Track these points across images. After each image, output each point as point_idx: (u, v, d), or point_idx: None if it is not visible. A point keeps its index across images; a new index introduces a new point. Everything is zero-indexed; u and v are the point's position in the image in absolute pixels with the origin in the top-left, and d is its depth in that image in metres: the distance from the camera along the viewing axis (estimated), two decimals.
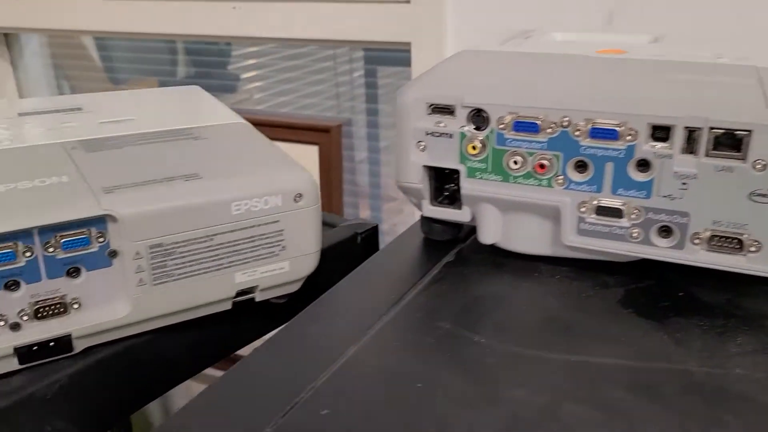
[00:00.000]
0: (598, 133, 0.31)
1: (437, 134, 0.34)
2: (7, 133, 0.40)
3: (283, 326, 0.33)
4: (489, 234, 0.36)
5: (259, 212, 0.36)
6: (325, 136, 1.05)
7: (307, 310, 0.34)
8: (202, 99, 0.50)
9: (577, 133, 0.32)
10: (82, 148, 0.38)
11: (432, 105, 0.34)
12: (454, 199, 0.36)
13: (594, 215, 0.33)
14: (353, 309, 0.32)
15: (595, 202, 0.33)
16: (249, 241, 0.36)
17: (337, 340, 0.29)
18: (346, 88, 1.19)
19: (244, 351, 0.37)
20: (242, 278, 0.37)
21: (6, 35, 1.27)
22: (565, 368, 0.27)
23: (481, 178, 0.34)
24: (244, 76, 1.24)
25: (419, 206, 0.37)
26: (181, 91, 0.52)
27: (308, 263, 0.39)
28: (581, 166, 0.33)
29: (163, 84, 1.29)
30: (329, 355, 0.28)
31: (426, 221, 0.38)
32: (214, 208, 0.35)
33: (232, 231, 0.36)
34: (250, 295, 0.39)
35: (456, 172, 0.35)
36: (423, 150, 0.35)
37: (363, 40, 0.85)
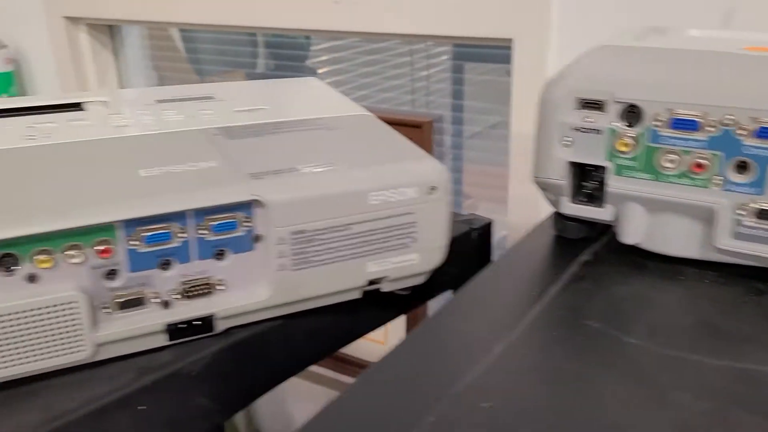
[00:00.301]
0: (765, 133, 0.29)
1: (585, 130, 0.33)
2: (151, 119, 0.42)
3: (426, 319, 0.33)
4: (632, 234, 0.35)
5: (394, 203, 0.36)
6: (416, 132, 1.05)
7: (449, 305, 0.34)
8: (322, 90, 0.51)
9: (740, 132, 0.30)
10: (223, 135, 0.39)
11: (581, 100, 0.33)
12: (592, 197, 0.36)
13: (754, 219, 0.31)
14: (494, 304, 0.32)
15: (755, 205, 0.31)
16: (383, 232, 0.37)
17: (484, 335, 0.29)
18: (423, 83, 1.18)
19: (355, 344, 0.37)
20: (374, 268, 0.37)
21: (110, 27, 1.32)
22: (730, 375, 0.26)
23: (629, 176, 0.33)
24: (321, 70, 1.26)
25: (556, 203, 0.37)
26: (301, 82, 0.53)
27: (436, 256, 0.39)
28: (742, 167, 0.31)
29: (248, 77, 1.31)
30: (479, 349, 0.28)
31: (559, 219, 0.38)
32: (353, 197, 0.35)
33: (368, 221, 0.36)
34: (378, 285, 0.39)
35: (599, 169, 0.34)
36: (568, 146, 0.34)
37: (464, 35, 0.84)
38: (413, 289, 0.42)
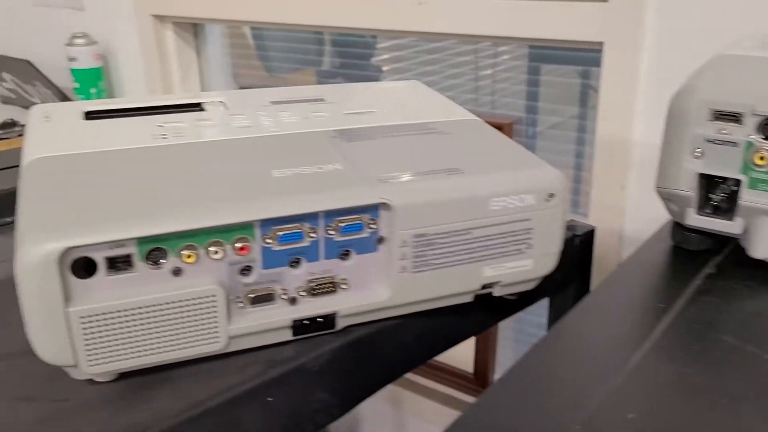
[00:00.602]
0: None
1: (719, 142, 0.33)
2: (270, 121, 0.43)
3: (555, 325, 0.33)
4: (762, 248, 0.34)
5: (513, 209, 0.37)
6: None
7: (576, 312, 0.34)
8: (427, 94, 0.51)
9: None
10: (341, 138, 0.40)
11: (717, 112, 0.33)
12: (717, 209, 0.35)
13: None
14: (622, 315, 0.32)
15: None
16: (500, 237, 0.37)
17: (617, 345, 0.29)
18: (487, 81, 1.17)
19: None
20: (489, 272, 0.38)
21: (194, 25, 1.37)
22: None
23: (765, 189, 0.33)
24: (386, 68, 1.26)
25: (681, 214, 0.36)
26: (404, 86, 0.53)
27: (549, 262, 0.39)
28: None
29: (317, 75, 1.33)
30: (614, 358, 0.28)
31: (679, 229, 0.37)
32: (475, 202, 0.36)
33: (487, 226, 0.36)
34: (490, 290, 0.39)
35: (728, 181, 0.34)
36: (699, 157, 0.34)
37: (553, 38, 0.84)
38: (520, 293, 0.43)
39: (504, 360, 1.22)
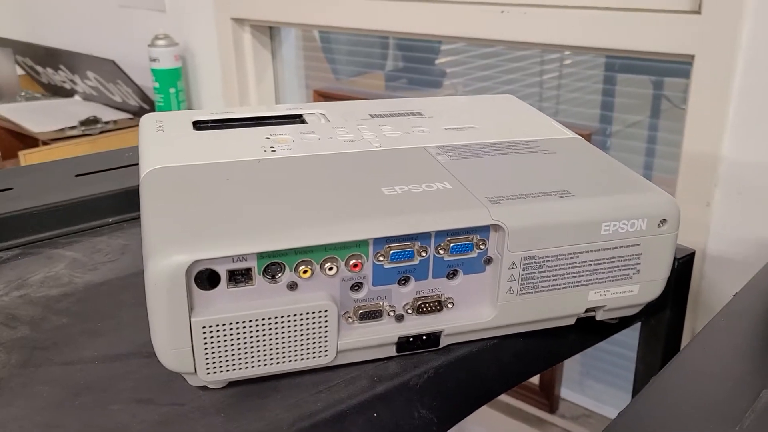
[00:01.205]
0: None
1: None
2: (372, 135, 0.43)
3: (671, 362, 0.32)
4: None
5: (624, 234, 0.36)
6: None
7: (692, 348, 0.33)
8: (523, 109, 0.51)
9: None
10: (445, 154, 0.41)
11: None
12: None
13: None
14: (746, 350, 0.31)
15: None
16: (609, 262, 0.36)
17: (745, 384, 0.28)
18: (554, 92, 1.15)
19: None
20: (594, 297, 0.37)
21: (270, 29, 1.39)
22: None
23: None
24: (450, 70, 1.25)
25: None
26: (499, 100, 0.53)
27: (655, 289, 0.38)
28: None
29: (385, 78, 1.34)
30: (742, 399, 0.27)
31: None
32: (586, 226, 0.35)
33: (596, 250, 0.36)
34: (593, 313, 0.39)
35: None
36: None
37: (641, 50, 0.82)
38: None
39: (571, 373, 1.20)
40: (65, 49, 1.67)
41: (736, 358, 0.31)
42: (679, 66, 0.93)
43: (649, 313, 0.49)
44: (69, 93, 1.74)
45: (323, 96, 1.35)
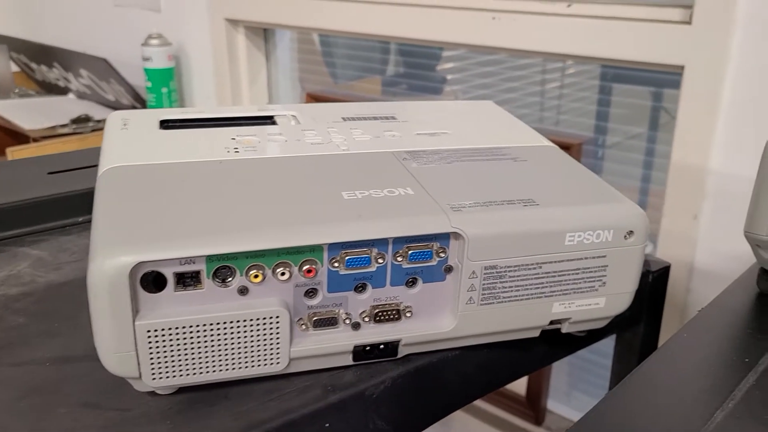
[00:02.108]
0: None
1: None
2: (341, 138, 0.43)
3: (632, 373, 0.31)
4: None
5: (589, 245, 0.35)
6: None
7: (654, 360, 0.32)
8: (500, 116, 0.50)
9: None
10: (413, 160, 0.40)
11: None
12: None
13: None
14: (704, 365, 0.30)
15: None
16: (573, 273, 0.36)
17: (699, 400, 0.27)
18: (555, 101, 1.15)
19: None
20: (558, 309, 0.36)
21: (264, 30, 1.39)
22: None
23: None
24: (450, 77, 1.25)
25: None
26: (477, 106, 0.52)
27: (622, 302, 0.38)
28: None
29: (383, 83, 1.33)
30: (695, 415, 0.26)
31: (767, 278, 0.35)
32: (549, 236, 0.34)
33: (560, 261, 0.35)
34: (558, 326, 0.38)
35: None
36: None
37: (631, 60, 0.81)
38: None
39: (558, 384, 1.19)
40: (60, 46, 1.67)
41: (694, 374, 0.30)
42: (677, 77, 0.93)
43: (623, 326, 0.49)
44: (63, 91, 1.74)
45: (315, 99, 1.35)
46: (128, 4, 1.54)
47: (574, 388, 1.20)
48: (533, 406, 1.14)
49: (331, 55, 1.42)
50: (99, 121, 1.50)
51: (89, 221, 0.54)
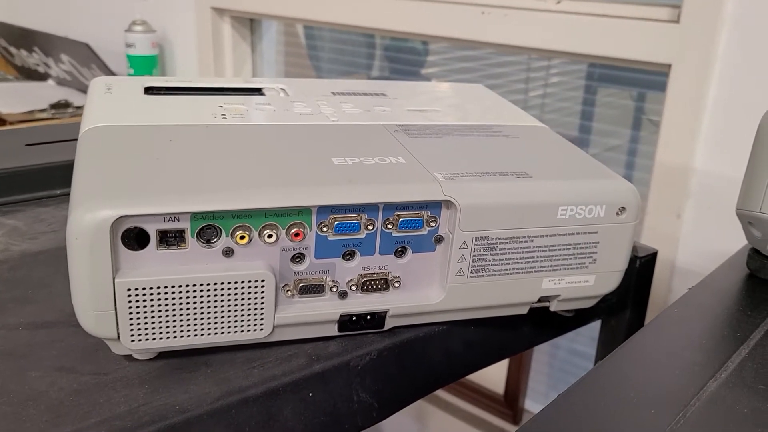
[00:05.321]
0: None
1: None
2: (331, 110, 0.42)
3: (622, 345, 0.31)
4: None
5: (581, 220, 0.35)
6: None
7: (646, 332, 0.32)
8: (491, 97, 0.50)
9: None
10: (404, 132, 0.39)
11: None
12: None
13: None
14: (695, 339, 0.30)
15: None
16: (564, 249, 0.35)
17: (692, 372, 0.27)
18: (538, 100, 1.15)
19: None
20: (548, 285, 0.36)
21: (251, 21, 1.37)
22: None
23: None
24: (435, 79, 1.25)
25: (763, 241, 0.34)
26: (468, 88, 0.52)
27: (612, 280, 0.37)
28: None
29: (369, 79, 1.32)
30: (688, 385, 0.26)
31: (756, 257, 0.35)
32: (542, 209, 0.34)
33: (552, 235, 0.34)
34: (547, 304, 0.37)
35: None
36: None
37: (619, 57, 0.81)
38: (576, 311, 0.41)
39: (536, 385, 1.19)
40: (41, 30, 1.64)
41: (686, 347, 0.29)
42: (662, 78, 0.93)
43: (608, 312, 0.48)
44: (43, 77, 1.71)
45: None
46: None
47: (552, 388, 1.20)
48: (511, 406, 1.14)
49: (317, 49, 1.41)
50: (79, 107, 1.47)
51: (67, 194, 0.53)
